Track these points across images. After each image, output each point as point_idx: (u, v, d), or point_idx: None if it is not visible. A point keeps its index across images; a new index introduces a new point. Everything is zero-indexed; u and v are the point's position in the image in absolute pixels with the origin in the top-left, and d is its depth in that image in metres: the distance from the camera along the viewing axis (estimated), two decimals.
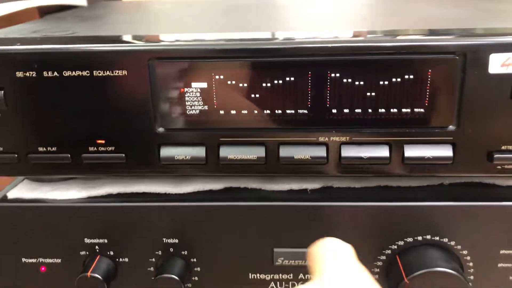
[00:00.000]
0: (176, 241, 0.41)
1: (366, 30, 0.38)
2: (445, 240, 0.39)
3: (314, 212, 0.39)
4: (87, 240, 0.41)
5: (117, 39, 0.37)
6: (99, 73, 0.35)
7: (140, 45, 0.35)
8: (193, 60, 0.35)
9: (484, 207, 0.38)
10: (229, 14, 0.54)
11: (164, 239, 0.41)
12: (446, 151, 0.36)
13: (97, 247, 0.41)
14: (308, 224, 0.40)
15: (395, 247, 0.40)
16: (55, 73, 0.35)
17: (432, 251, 0.39)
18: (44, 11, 0.87)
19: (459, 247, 0.39)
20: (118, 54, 0.35)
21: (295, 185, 0.41)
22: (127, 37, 0.37)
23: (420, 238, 0.39)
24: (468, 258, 0.40)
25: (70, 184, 0.43)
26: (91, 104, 0.36)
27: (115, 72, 0.35)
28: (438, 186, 0.41)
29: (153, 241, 0.41)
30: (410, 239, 0.39)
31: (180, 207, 0.40)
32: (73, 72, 0.35)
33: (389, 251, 0.40)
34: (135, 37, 0.38)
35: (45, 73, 0.35)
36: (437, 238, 0.39)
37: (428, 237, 0.39)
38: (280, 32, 0.39)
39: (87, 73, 0.35)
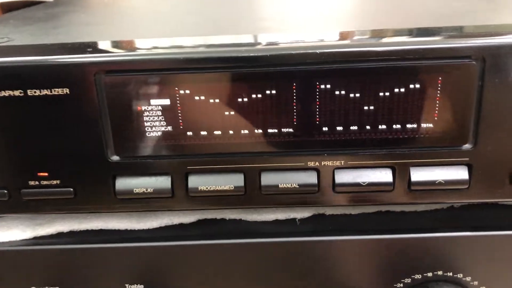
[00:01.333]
0: (142, 287, 0.35)
1: (360, 30, 0.32)
2: (460, 276, 0.34)
3: (305, 247, 0.33)
4: None
5: (57, 49, 0.30)
6: (35, 92, 0.29)
7: (83, 56, 0.29)
8: (151, 72, 0.29)
9: (504, 236, 0.33)
10: (199, 13, 0.47)
11: (127, 285, 0.35)
12: (460, 174, 0.31)
13: None
14: (298, 261, 0.34)
15: (401, 285, 0.34)
16: None
17: None
18: (8, 8, 0.79)
19: (475, 283, 0.34)
20: (57, 68, 0.29)
21: (281, 215, 0.36)
22: (69, 46, 0.31)
23: (430, 274, 0.34)
24: None
25: (13, 221, 0.36)
26: (28, 129, 0.30)
27: (55, 91, 0.29)
28: (448, 211, 0.36)
29: None
30: (418, 276, 0.34)
31: (145, 247, 0.34)
32: (2, 91, 0.29)
33: None
34: (79, 45, 0.31)
35: None
36: (450, 273, 0.34)
37: (440, 273, 0.34)
38: (259, 36, 0.32)
39: (21, 92, 0.29)
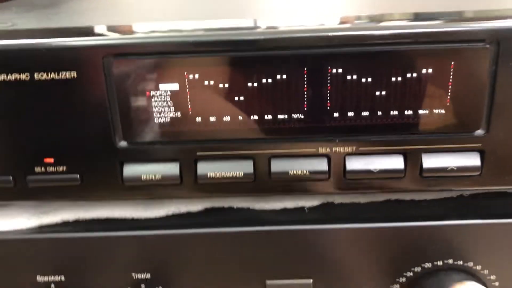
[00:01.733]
0: (148, 275, 0.34)
1: (373, 14, 0.31)
2: (470, 264, 0.33)
3: (313, 236, 0.33)
4: (40, 278, 0.35)
5: (64, 32, 0.30)
6: (42, 75, 0.28)
7: (91, 38, 0.28)
8: (161, 55, 0.28)
9: None
10: None
11: (133, 273, 0.34)
12: (473, 160, 0.30)
13: (52, 285, 0.35)
14: (306, 251, 0.33)
15: (411, 274, 0.34)
16: None
17: (455, 277, 0.33)
18: None
19: (486, 271, 0.34)
20: (64, 51, 0.28)
21: (290, 203, 0.35)
22: (76, 29, 0.30)
23: (440, 263, 0.34)
24: (497, 284, 0.34)
25: (18, 209, 0.36)
26: (34, 114, 0.30)
27: (62, 74, 0.28)
28: (459, 199, 0.35)
29: (120, 277, 0.34)
30: (428, 265, 0.34)
31: (152, 236, 0.33)
32: (9, 75, 0.28)
33: (403, 279, 0.34)
34: (86, 29, 0.30)
35: None
36: (461, 262, 0.33)
37: (450, 261, 0.34)
38: (269, 20, 0.32)
39: (27, 76, 0.29)
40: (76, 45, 0.28)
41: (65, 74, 0.28)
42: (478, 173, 0.31)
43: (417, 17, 0.30)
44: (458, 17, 0.29)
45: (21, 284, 0.34)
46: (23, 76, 0.28)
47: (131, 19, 0.36)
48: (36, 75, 0.28)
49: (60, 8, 0.43)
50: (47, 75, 0.28)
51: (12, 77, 0.28)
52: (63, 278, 0.34)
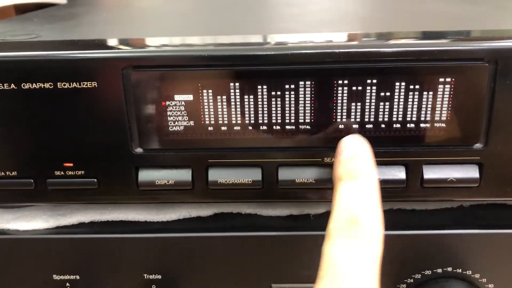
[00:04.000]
0: (159, 277, 0.36)
1: (376, 32, 0.33)
2: (469, 272, 0.35)
3: (318, 242, 0.34)
4: (56, 277, 0.36)
5: (86, 44, 0.31)
6: (64, 85, 0.30)
7: (112, 51, 0.30)
8: (176, 68, 0.30)
9: None
10: (220, 13, 0.48)
11: (145, 275, 0.36)
12: (471, 172, 0.32)
13: (67, 284, 0.36)
14: (311, 255, 0.34)
15: (411, 281, 0.35)
16: (12, 85, 0.30)
17: (454, 285, 0.34)
18: (22, 10, 0.81)
19: (484, 280, 0.35)
20: (86, 62, 0.30)
21: (295, 210, 0.36)
22: (97, 42, 0.32)
23: (440, 270, 0.35)
24: None
25: (36, 210, 0.37)
26: (56, 121, 0.31)
27: (83, 84, 0.30)
28: (458, 209, 0.37)
29: (133, 278, 0.36)
30: (428, 272, 0.35)
31: (163, 238, 0.35)
32: (34, 84, 0.30)
33: (404, 286, 0.35)
34: (107, 42, 0.32)
35: (0, 85, 0.30)
36: (460, 270, 0.35)
37: (449, 269, 0.35)
38: (278, 36, 0.33)
39: (50, 85, 0.30)
40: (97, 57, 0.29)
41: (86, 84, 0.30)
42: (476, 184, 0.32)
43: (420, 36, 0.31)
44: (459, 37, 0.30)
45: (38, 282, 0.36)
46: (46, 85, 0.30)
47: (148, 33, 0.38)
48: (59, 84, 0.30)
49: (80, 21, 0.45)
50: (69, 84, 0.30)
51: (36, 85, 0.30)
52: (78, 277, 0.36)
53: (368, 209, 0.26)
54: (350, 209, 0.26)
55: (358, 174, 0.27)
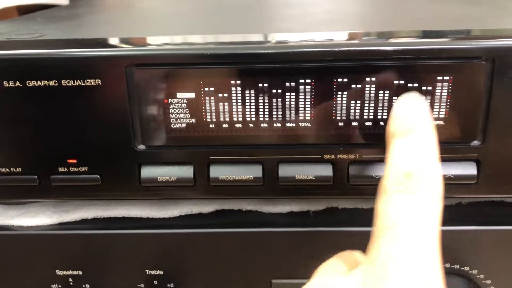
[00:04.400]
0: (161, 272, 0.36)
1: (377, 31, 0.33)
2: (467, 269, 0.35)
3: (317, 238, 0.35)
4: (59, 272, 0.37)
5: (90, 43, 0.32)
6: (69, 82, 0.30)
7: (115, 49, 0.30)
8: (178, 66, 0.30)
9: (511, 231, 0.34)
10: (221, 13, 0.49)
11: (147, 270, 0.36)
12: (469, 169, 0.32)
13: (70, 279, 0.37)
14: (310, 252, 0.35)
15: None
16: (17, 83, 0.31)
17: (452, 281, 0.34)
18: (24, 11, 0.82)
19: (482, 276, 0.35)
20: (90, 61, 0.30)
21: (296, 207, 0.37)
22: (101, 40, 0.32)
23: None
24: None
25: (40, 207, 0.38)
26: (60, 118, 0.32)
27: (87, 81, 0.30)
28: (457, 206, 0.37)
29: (135, 273, 0.36)
30: None
31: (165, 234, 0.35)
32: (38, 81, 0.30)
33: None
34: (111, 41, 0.33)
35: (5, 83, 0.31)
36: (458, 266, 0.35)
37: (447, 265, 0.35)
38: (278, 34, 0.34)
39: (55, 82, 0.30)
40: (101, 56, 0.30)
41: (90, 82, 0.30)
42: (474, 181, 0.32)
43: (419, 35, 0.32)
44: (457, 35, 0.31)
45: (41, 277, 0.37)
46: (51, 83, 0.30)
47: (151, 32, 0.38)
48: (63, 82, 0.30)
49: (83, 20, 0.45)
50: (74, 82, 0.30)
51: (41, 83, 0.30)
52: (80, 272, 0.36)
53: (425, 164, 0.25)
54: (405, 164, 0.25)
55: (412, 129, 0.26)
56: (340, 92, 0.31)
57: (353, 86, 0.30)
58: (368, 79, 0.30)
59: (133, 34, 0.36)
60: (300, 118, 0.31)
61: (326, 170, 0.32)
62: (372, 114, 0.31)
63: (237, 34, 0.34)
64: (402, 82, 0.30)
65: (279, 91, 0.31)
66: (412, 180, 0.24)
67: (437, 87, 0.30)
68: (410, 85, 0.30)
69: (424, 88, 0.30)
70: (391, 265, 0.23)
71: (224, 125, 0.32)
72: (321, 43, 0.30)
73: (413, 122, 0.26)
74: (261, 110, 0.31)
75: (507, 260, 0.35)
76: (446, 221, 0.35)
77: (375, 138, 0.31)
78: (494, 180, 0.32)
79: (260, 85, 0.31)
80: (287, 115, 0.31)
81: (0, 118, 0.31)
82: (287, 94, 0.31)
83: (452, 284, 0.35)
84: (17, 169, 0.33)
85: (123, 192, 0.34)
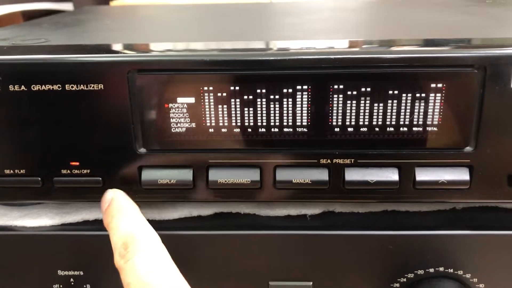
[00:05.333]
0: None
1: (371, 39, 0.34)
2: (460, 272, 0.36)
3: (314, 241, 0.36)
4: (60, 272, 0.37)
5: (93, 49, 0.33)
6: (72, 87, 0.31)
7: (118, 55, 0.31)
8: (179, 72, 0.31)
9: (503, 236, 0.35)
10: (221, 21, 0.50)
11: None
12: (462, 175, 0.33)
13: (72, 280, 0.37)
14: (307, 254, 0.36)
15: (404, 280, 0.36)
16: (23, 87, 0.31)
17: (445, 284, 0.35)
18: (29, 16, 0.83)
19: (475, 280, 0.36)
20: (93, 66, 0.31)
21: (293, 211, 0.38)
22: (104, 46, 0.33)
23: (432, 270, 0.36)
24: None
25: (43, 209, 0.38)
26: (63, 121, 0.32)
27: (90, 86, 0.31)
28: (451, 212, 0.38)
29: None
30: (421, 272, 0.36)
31: (165, 236, 0.35)
32: (43, 85, 0.31)
33: (397, 285, 0.36)
34: (113, 47, 0.33)
35: (11, 87, 0.31)
36: (451, 270, 0.36)
37: (441, 269, 0.36)
38: (276, 42, 0.35)
39: (59, 87, 0.31)
40: (104, 61, 0.31)
41: (93, 87, 0.31)
42: (467, 186, 0.33)
43: (413, 43, 0.32)
44: (450, 44, 0.31)
45: (43, 277, 0.37)
46: (55, 87, 0.31)
47: (152, 38, 0.39)
48: (67, 86, 0.31)
49: (87, 26, 0.46)
50: (77, 86, 0.31)
51: (45, 87, 0.31)
52: (81, 273, 0.37)
53: (131, 228, 0.31)
54: (119, 238, 0.30)
55: (113, 215, 0.32)
56: (336, 98, 0.31)
57: (349, 92, 0.31)
58: (362, 86, 0.31)
59: (135, 41, 0.37)
60: (297, 124, 0.32)
61: (322, 175, 0.33)
62: (367, 120, 0.32)
63: (236, 42, 0.35)
64: (396, 89, 0.31)
65: (277, 96, 0.32)
66: (129, 247, 0.29)
67: (431, 95, 0.31)
68: (404, 92, 0.31)
69: (417, 95, 0.31)
70: None
71: (223, 130, 0.32)
72: (317, 51, 0.31)
73: (113, 207, 0.32)
74: (259, 115, 0.32)
75: (500, 264, 0.35)
76: (440, 225, 0.36)
77: (370, 143, 0.32)
78: (487, 186, 0.33)
79: (258, 91, 0.31)
80: (284, 121, 0.32)
81: (5, 121, 0.32)
82: (285, 100, 0.32)
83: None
84: (21, 171, 0.34)
85: None
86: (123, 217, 0.31)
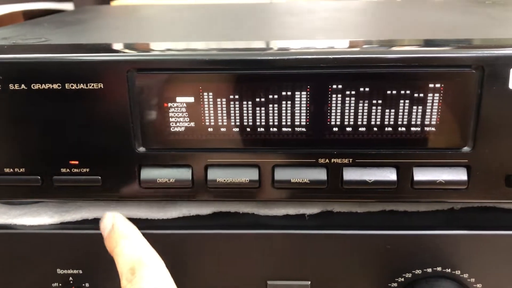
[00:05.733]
0: None
1: (369, 40, 0.34)
2: (458, 272, 0.36)
3: (312, 240, 0.36)
4: (59, 271, 0.37)
5: (92, 48, 0.33)
6: (72, 86, 0.31)
7: (117, 55, 0.31)
8: (178, 71, 0.31)
9: (501, 236, 0.35)
10: (221, 21, 0.50)
11: None
12: (460, 175, 0.33)
13: (71, 278, 0.37)
14: (306, 254, 0.36)
15: (402, 279, 0.36)
16: (23, 86, 0.31)
17: (443, 284, 0.35)
18: (30, 16, 0.83)
19: (473, 280, 0.36)
20: (93, 65, 0.31)
21: (292, 210, 0.38)
22: (103, 46, 0.33)
23: (429, 270, 0.36)
24: None
25: (42, 207, 0.39)
26: (63, 120, 0.32)
27: (90, 85, 0.31)
28: (449, 212, 0.38)
29: None
30: (418, 271, 0.36)
31: (164, 235, 0.36)
32: (43, 84, 0.31)
33: (395, 284, 0.36)
34: (113, 46, 0.34)
35: (11, 86, 0.31)
36: (449, 270, 0.36)
37: (439, 269, 0.36)
38: (276, 42, 0.35)
39: (59, 86, 0.31)
40: (103, 60, 0.31)
41: (93, 86, 0.31)
42: (465, 186, 0.33)
43: (411, 44, 0.33)
44: (448, 45, 0.32)
45: (42, 276, 0.37)
46: (55, 86, 0.31)
47: (152, 38, 0.39)
48: (66, 85, 0.31)
49: (87, 26, 0.46)
50: (77, 85, 0.31)
51: (45, 86, 0.31)
52: (80, 271, 0.37)
53: (139, 255, 0.31)
54: (127, 262, 0.31)
55: (118, 238, 0.33)
56: (334, 98, 0.31)
57: (347, 92, 0.31)
58: (361, 86, 0.31)
59: (135, 40, 0.37)
60: (296, 123, 0.32)
61: (320, 174, 0.33)
62: (365, 119, 0.32)
63: (235, 41, 0.35)
64: (394, 89, 0.31)
65: (276, 96, 0.32)
66: (136, 272, 0.30)
67: (429, 95, 0.31)
68: (402, 92, 0.31)
69: (416, 95, 0.31)
70: None
71: (222, 129, 0.33)
72: (317, 51, 0.31)
73: (116, 232, 0.33)
74: (258, 114, 0.32)
75: (497, 264, 0.35)
76: (438, 225, 0.36)
77: (368, 143, 0.32)
78: (484, 186, 0.33)
79: (258, 90, 0.32)
80: (283, 120, 0.32)
81: (5, 119, 0.32)
82: (284, 99, 0.32)
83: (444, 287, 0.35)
84: (21, 170, 0.34)
85: (123, 193, 0.34)
86: (128, 242, 0.32)
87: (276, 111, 0.32)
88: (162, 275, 0.30)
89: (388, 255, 0.36)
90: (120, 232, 0.32)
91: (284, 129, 0.32)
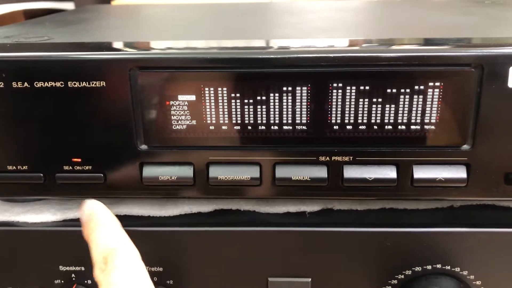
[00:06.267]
0: (161, 269, 0.37)
1: (369, 38, 0.35)
2: (457, 269, 0.36)
3: (313, 238, 0.36)
4: (62, 268, 0.37)
5: (95, 46, 0.33)
6: (75, 84, 0.32)
7: (120, 53, 0.32)
8: (180, 70, 0.32)
9: (500, 233, 0.35)
10: (222, 20, 0.50)
11: (147, 267, 0.36)
12: (459, 173, 0.33)
13: (73, 275, 0.38)
14: (306, 251, 0.36)
15: (402, 277, 0.36)
16: (26, 84, 0.32)
17: (443, 281, 0.35)
18: (30, 15, 0.83)
19: (472, 277, 0.36)
20: (95, 63, 0.31)
21: (292, 208, 0.38)
22: (106, 44, 0.34)
23: (429, 267, 0.36)
24: None
25: (45, 204, 0.39)
26: (66, 118, 0.33)
27: (92, 83, 0.32)
28: (449, 209, 0.38)
29: None
30: (418, 269, 0.36)
31: (165, 232, 0.36)
32: (46, 82, 0.32)
33: (395, 281, 0.36)
34: (115, 44, 0.34)
35: (14, 84, 0.32)
36: (449, 267, 0.36)
37: (439, 266, 0.36)
38: (276, 40, 0.35)
39: (61, 84, 0.32)
40: (106, 58, 0.31)
41: (95, 84, 0.31)
42: (464, 184, 0.33)
43: (411, 42, 0.33)
44: (447, 43, 0.32)
45: (45, 273, 0.37)
46: (57, 84, 0.32)
47: (154, 36, 0.39)
48: (69, 83, 0.31)
49: (89, 25, 0.47)
50: (79, 83, 0.31)
51: (48, 84, 0.32)
52: (83, 268, 0.37)
53: (112, 242, 0.30)
54: (100, 252, 0.30)
55: (94, 226, 0.31)
56: (335, 97, 0.32)
57: (348, 91, 0.31)
58: (361, 84, 0.31)
59: (137, 39, 0.38)
60: (297, 121, 0.33)
61: (321, 172, 0.33)
62: (366, 117, 0.32)
63: (236, 40, 0.35)
64: (394, 87, 0.31)
65: (277, 94, 0.32)
66: (109, 261, 0.29)
67: (429, 93, 0.31)
68: (402, 90, 0.31)
69: (416, 93, 0.31)
70: None
71: (223, 127, 0.33)
72: (317, 49, 0.31)
73: (93, 220, 0.31)
74: (259, 112, 0.32)
75: (497, 262, 0.35)
76: (438, 223, 0.36)
77: (368, 141, 0.33)
78: (484, 183, 0.33)
79: (258, 88, 0.32)
80: (284, 118, 0.32)
81: (8, 117, 0.33)
82: (284, 97, 0.32)
83: (443, 285, 0.36)
84: (24, 167, 0.34)
85: (125, 191, 0.35)
86: (103, 231, 0.31)
87: (277, 109, 0.32)
88: (135, 266, 0.29)
89: (388, 252, 0.36)
90: (97, 220, 0.31)
91: (285, 127, 0.33)
